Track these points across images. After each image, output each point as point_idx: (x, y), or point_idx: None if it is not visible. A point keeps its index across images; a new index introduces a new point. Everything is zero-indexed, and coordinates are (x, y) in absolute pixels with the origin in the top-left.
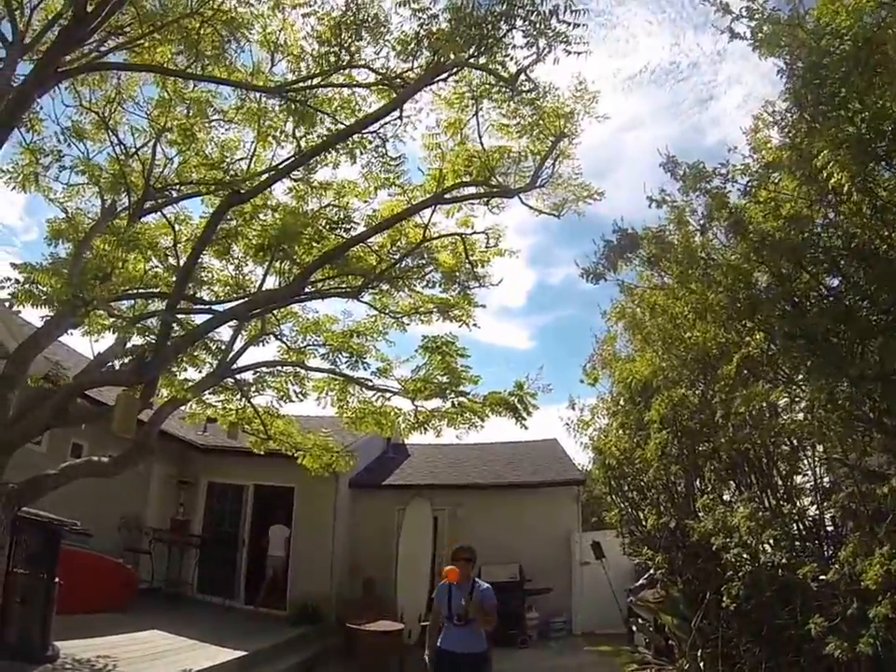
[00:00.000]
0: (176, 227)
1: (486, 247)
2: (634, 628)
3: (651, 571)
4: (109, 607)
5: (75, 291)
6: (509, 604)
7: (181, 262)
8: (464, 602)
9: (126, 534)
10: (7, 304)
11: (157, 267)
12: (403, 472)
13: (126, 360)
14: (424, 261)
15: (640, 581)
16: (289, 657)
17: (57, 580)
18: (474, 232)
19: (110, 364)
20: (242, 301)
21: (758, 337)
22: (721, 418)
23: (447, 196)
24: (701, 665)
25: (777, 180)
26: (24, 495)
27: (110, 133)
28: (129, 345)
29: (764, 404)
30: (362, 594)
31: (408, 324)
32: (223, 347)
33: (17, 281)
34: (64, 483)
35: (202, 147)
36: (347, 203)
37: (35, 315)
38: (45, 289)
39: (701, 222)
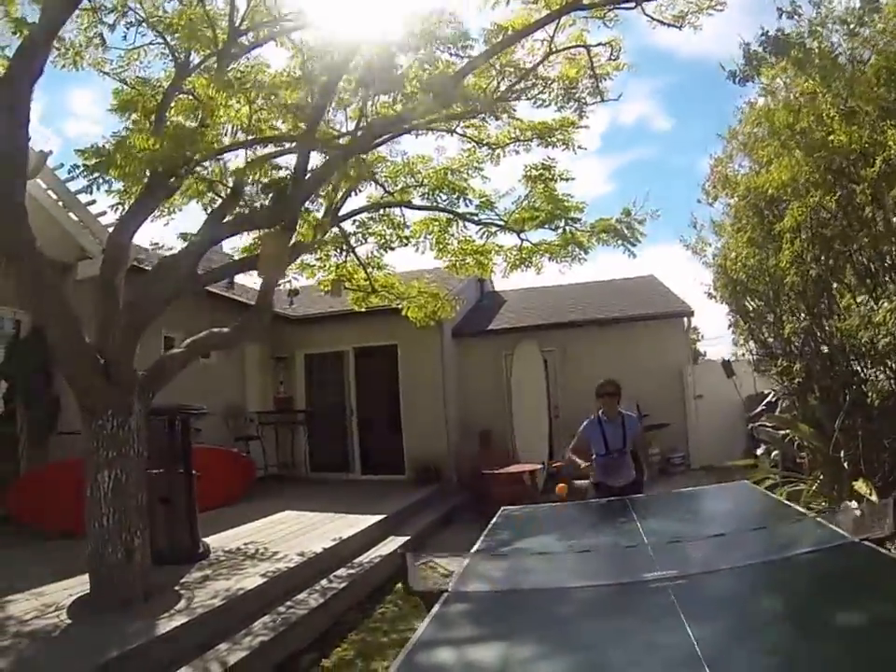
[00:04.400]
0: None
1: (610, 58)
2: (758, 453)
3: (770, 397)
4: (232, 498)
5: (177, 145)
6: None
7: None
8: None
9: (232, 423)
10: (82, 196)
11: (262, 109)
12: (504, 317)
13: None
14: (533, 81)
15: (760, 408)
16: (424, 516)
17: (195, 472)
18: (598, 44)
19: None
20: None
21: None
22: (860, 221)
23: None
24: (845, 465)
25: None
26: (155, 380)
27: None
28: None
29: None
30: (479, 448)
31: (503, 156)
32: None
33: (85, 167)
34: (191, 361)
35: None
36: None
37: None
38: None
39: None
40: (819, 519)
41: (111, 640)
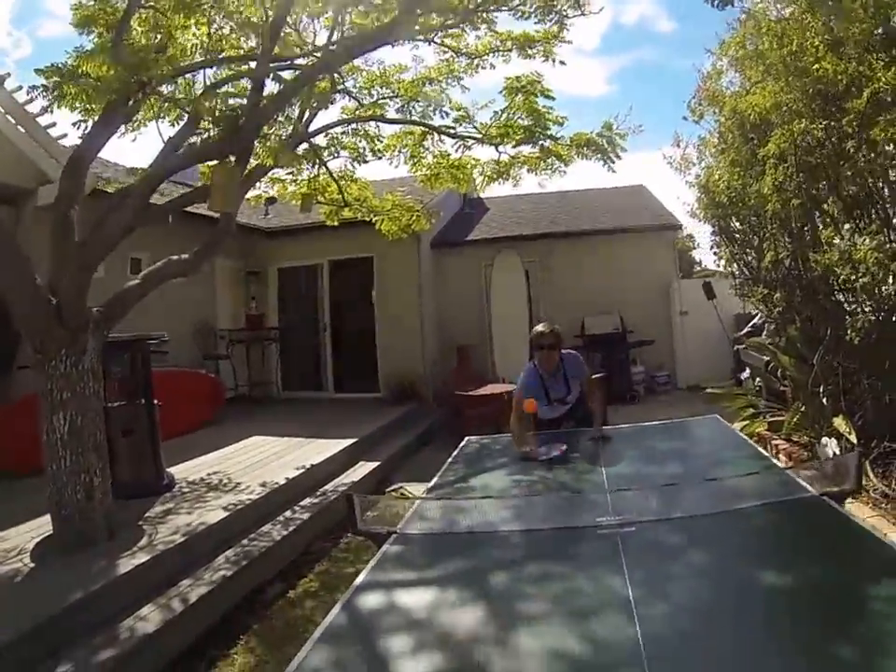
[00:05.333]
0: None
1: None
2: (743, 377)
3: (757, 319)
4: (201, 422)
5: (131, 71)
6: (614, 356)
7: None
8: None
9: (201, 342)
10: (40, 117)
11: (222, 28)
12: (486, 227)
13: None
14: None
15: (746, 329)
16: (398, 437)
17: (156, 402)
18: None
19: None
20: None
21: (890, 73)
22: (843, 154)
23: None
24: (824, 401)
25: None
26: (111, 316)
27: None
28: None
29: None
30: (457, 364)
31: (483, 67)
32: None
33: (45, 88)
34: (149, 291)
35: None
36: None
37: (68, 126)
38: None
39: None
40: (784, 469)
41: (74, 583)
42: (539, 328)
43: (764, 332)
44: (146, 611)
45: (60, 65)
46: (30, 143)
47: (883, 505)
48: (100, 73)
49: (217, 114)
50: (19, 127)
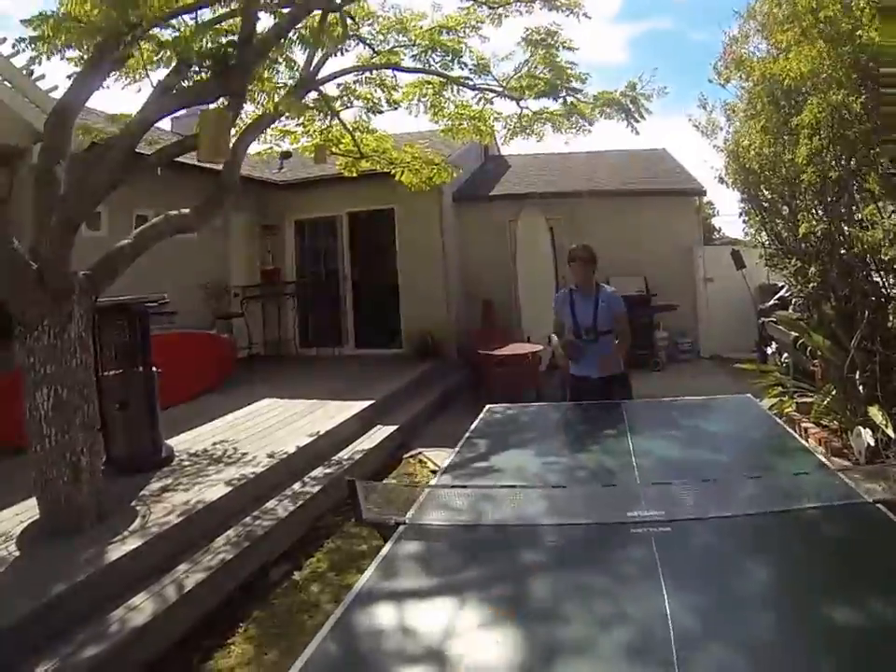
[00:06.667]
0: None
1: None
2: (769, 351)
3: (784, 291)
4: (210, 386)
5: (119, 13)
6: (638, 320)
7: None
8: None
9: (214, 301)
10: (28, 71)
11: None
12: (509, 182)
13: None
14: None
15: (772, 301)
16: (419, 398)
17: (155, 369)
18: None
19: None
20: None
21: None
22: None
23: None
24: (860, 387)
25: None
26: (99, 279)
27: None
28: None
29: None
30: (482, 319)
31: (506, 16)
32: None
33: (32, 40)
34: (142, 252)
35: None
36: None
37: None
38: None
39: None
40: (832, 469)
41: (59, 573)
42: (574, 245)
43: (791, 306)
44: (137, 601)
45: (48, 14)
46: (22, 100)
47: None
48: (89, 15)
49: (201, 54)
50: (6, 83)
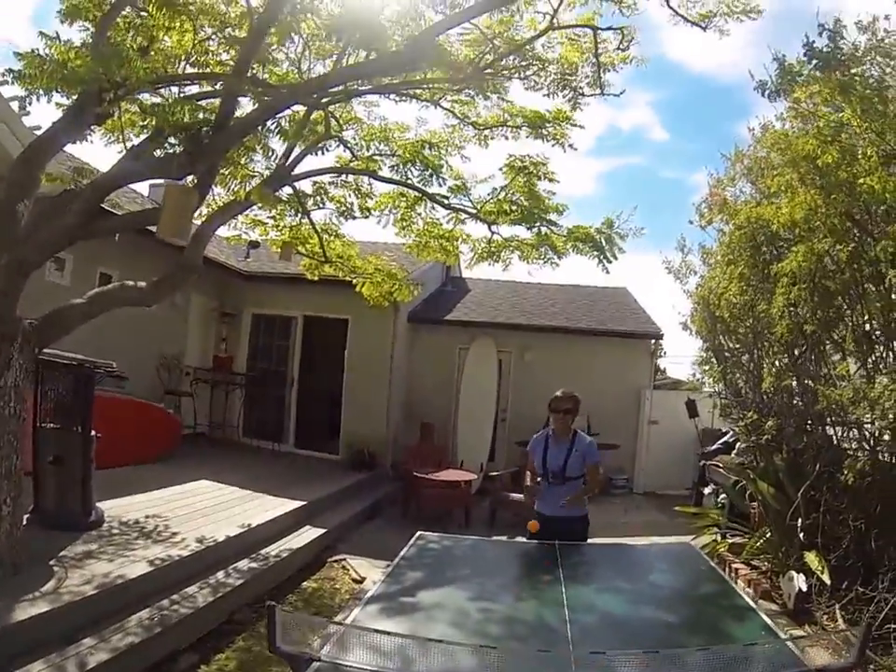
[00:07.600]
0: None
1: (619, 48)
2: (706, 491)
3: (728, 437)
4: (151, 457)
5: (105, 69)
6: None
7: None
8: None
9: (165, 375)
10: (18, 106)
11: (210, 38)
12: (465, 308)
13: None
14: (529, 61)
15: (716, 446)
16: (349, 505)
17: (94, 433)
18: (609, 28)
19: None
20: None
21: None
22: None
23: None
24: (801, 535)
25: None
26: (46, 332)
27: None
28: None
29: None
30: (419, 439)
31: (491, 138)
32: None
33: (17, 75)
34: (95, 315)
35: None
36: None
37: (47, 121)
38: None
39: None
40: (782, 639)
41: None
42: (559, 392)
43: (735, 451)
44: (34, 668)
45: (42, 54)
46: (3, 128)
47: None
48: (65, 58)
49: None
50: None
